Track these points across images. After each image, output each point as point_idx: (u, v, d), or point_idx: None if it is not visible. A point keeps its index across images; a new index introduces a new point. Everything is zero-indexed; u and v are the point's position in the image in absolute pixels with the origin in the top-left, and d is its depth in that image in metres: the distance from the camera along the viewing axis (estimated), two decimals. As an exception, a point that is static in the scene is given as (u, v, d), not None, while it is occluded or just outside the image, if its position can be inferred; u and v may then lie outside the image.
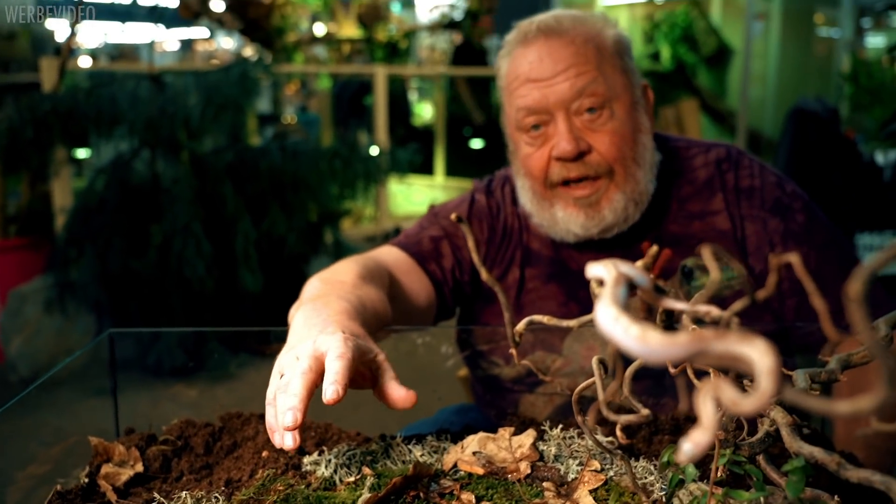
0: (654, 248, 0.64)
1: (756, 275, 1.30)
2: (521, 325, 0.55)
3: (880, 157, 3.61)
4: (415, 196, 7.63)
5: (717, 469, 0.61)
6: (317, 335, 0.88)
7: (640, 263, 0.60)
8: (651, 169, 1.32)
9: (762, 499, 0.60)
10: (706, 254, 0.48)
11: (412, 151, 4.25)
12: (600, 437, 0.91)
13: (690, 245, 1.33)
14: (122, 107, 3.35)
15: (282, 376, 0.87)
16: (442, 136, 7.76)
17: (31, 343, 3.52)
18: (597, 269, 0.46)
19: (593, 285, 0.53)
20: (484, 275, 0.54)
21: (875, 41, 10.82)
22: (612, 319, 0.41)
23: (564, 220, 1.31)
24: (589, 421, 0.66)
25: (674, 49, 8.51)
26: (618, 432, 0.58)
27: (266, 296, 3.80)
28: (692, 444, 0.38)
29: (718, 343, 0.38)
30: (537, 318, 0.56)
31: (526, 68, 1.28)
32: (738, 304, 0.45)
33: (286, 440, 0.80)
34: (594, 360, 0.60)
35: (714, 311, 0.51)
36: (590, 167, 1.27)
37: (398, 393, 0.88)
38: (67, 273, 3.55)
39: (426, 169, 7.68)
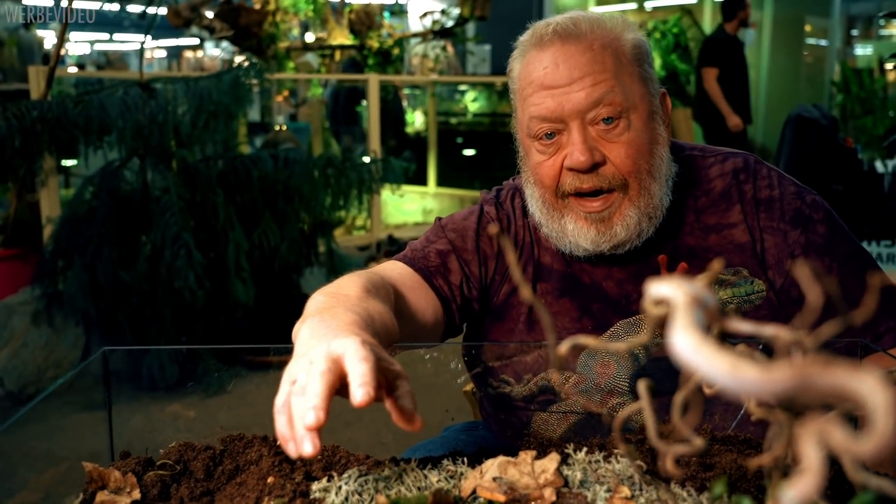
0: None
1: (777, 289, 1.26)
2: (564, 347, 0.50)
3: (880, 166, 3.60)
4: (406, 205, 7.58)
5: (774, 501, 0.56)
6: (330, 340, 0.83)
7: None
8: (667, 182, 1.27)
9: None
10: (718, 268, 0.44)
11: (406, 160, 4.21)
12: (628, 462, 0.87)
13: (707, 258, 1.28)
14: (112, 114, 3.29)
15: (294, 383, 0.81)
16: (434, 145, 7.73)
17: (18, 355, 3.44)
18: (662, 290, 0.41)
19: (647, 304, 0.48)
20: (526, 292, 0.49)
21: (864, 51, 10.87)
22: (693, 349, 0.36)
23: (574, 233, 1.26)
24: (625, 448, 0.61)
25: (666, 57, 8.51)
26: (668, 463, 0.53)
27: (258, 307, 3.74)
28: (798, 492, 0.33)
29: (824, 377, 0.33)
30: (582, 340, 0.51)
31: (540, 74, 1.22)
32: (828, 329, 0.40)
33: (304, 446, 0.74)
34: (641, 385, 0.55)
35: (783, 334, 0.46)
36: (603, 179, 1.22)
37: (408, 414, 0.81)
38: (55, 284, 3.48)
39: (418, 178, 7.64)
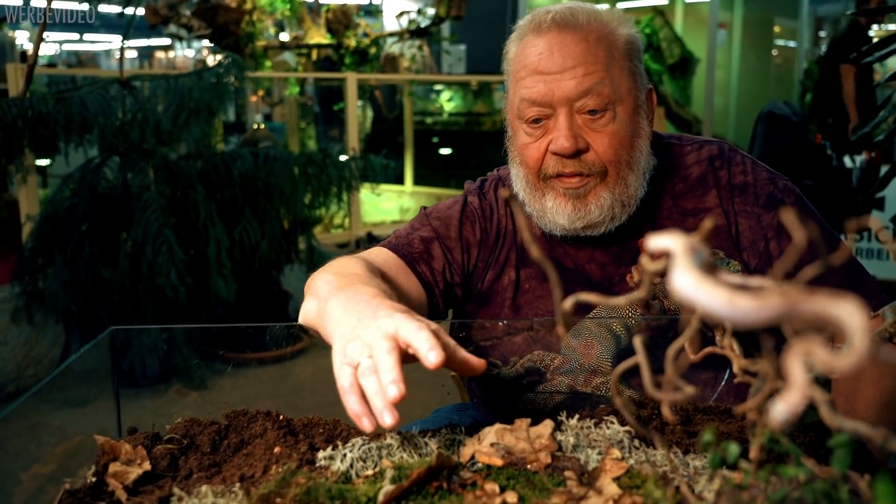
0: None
1: (752, 270, 1.32)
2: (567, 304, 0.55)
3: (849, 161, 3.69)
4: (384, 204, 7.61)
5: (759, 447, 0.61)
6: (372, 321, 0.89)
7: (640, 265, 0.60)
8: (644, 174, 1.33)
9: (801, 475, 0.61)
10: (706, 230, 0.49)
11: (385, 157, 4.24)
12: (618, 428, 0.92)
13: None
14: (92, 111, 3.29)
15: (354, 365, 0.87)
16: (410, 144, 7.76)
17: (-2, 353, 3.44)
18: (660, 242, 0.46)
19: (643, 262, 0.53)
20: (535, 252, 0.54)
21: (832, 51, 11.04)
22: (693, 285, 0.40)
23: (553, 210, 1.31)
24: (620, 400, 0.66)
25: (639, 58, 8.59)
26: (664, 410, 0.58)
27: (240, 303, 3.76)
28: (785, 404, 0.38)
29: (808, 304, 0.38)
30: (584, 296, 0.55)
31: (535, 59, 1.28)
32: (809, 272, 0.45)
33: (385, 417, 0.81)
34: (636, 340, 0.59)
35: (768, 283, 0.51)
36: (584, 165, 1.28)
37: (475, 360, 0.90)
38: (35, 282, 3.48)
39: (395, 177, 7.68)
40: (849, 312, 0.37)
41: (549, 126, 1.29)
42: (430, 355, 0.81)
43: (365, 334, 0.88)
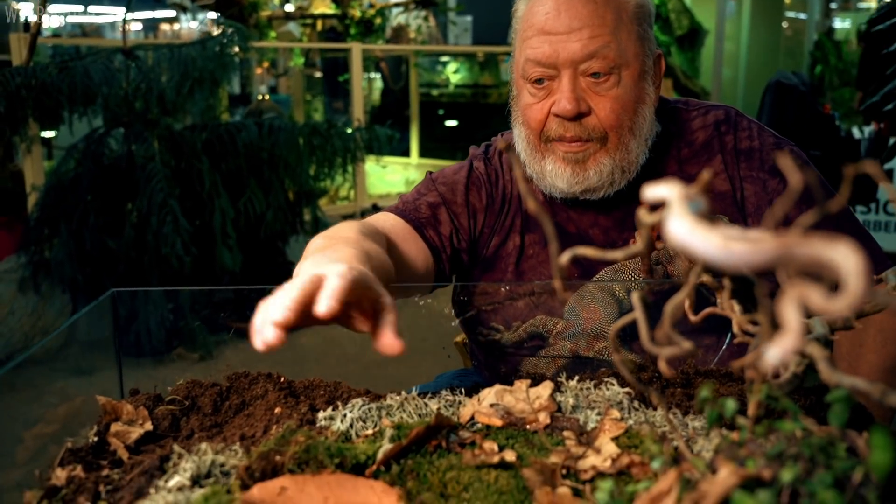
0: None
1: None
2: (564, 259, 0.54)
3: (857, 132, 3.66)
4: (389, 176, 7.60)
5: (756, 404, 0.61)
6: (319, 268, 0.84)
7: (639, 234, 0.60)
8: (646, 141, 1.31)
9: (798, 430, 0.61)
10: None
11: (390, 129, 4.23)
12: (617, 389, 0.92)
13: None
14: (96, 81, 3.28)
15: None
16: (416, 116, 7.73)
17: (6, 323, 3.45)
18: (658, 191, 0.45)
19: (641, 214, 0.52)
20: (531, 204, 0.53)
21: (843, 23, 10.94)
22: (687, 230, 0.40)
23: (552, 173, 1.31)
24: (619, 357, 0.66)
25: (647, 29, 8.50)
26: (661, 365, 0.58)
27: (245, 274, 3.77)
28: (779, 348, 0.37)
29: (803, 247, 0.38)
30: (581, 250, 0.55)
31: (542, 18, 1.26)
32: (807, 219, 0.44)
33: (266, 332, 0.75)
34: (634, 296, 0.59)
35: (768, 233, 0.51)
36: (585, 129, 1.27)
37: (388, 339, 0.81)
38: (41, 252, 3.49)
39: (401, 149, 7.66)
40: (844, 255, 0.37)
41: (552, 88, 1.28)
42: (322, 303, 0.75)
43: (301, 273, 0.84)
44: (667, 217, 0.43)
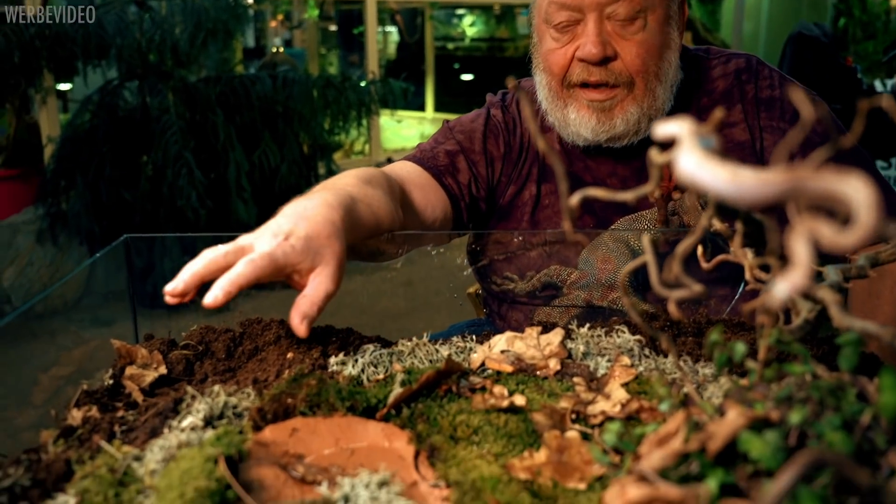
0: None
1: None
2: (574, 200, 0.54)
3: (879, 85, 3.59)
4: (404, 131, 7.56)
5: (766, 347, 0.60)
6: (262, 234, 0.91)
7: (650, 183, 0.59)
8: (672, 87, 1.29)
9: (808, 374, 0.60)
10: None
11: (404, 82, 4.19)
12: (628, 337, 0.92)
13: None
14: (110, 32, 3.27)
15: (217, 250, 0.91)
16: (431, 70, 7.65)
17: (24, 274, 3.49)
18: (668, 128, 0.45)
19: (651, 154, 0.52)
20: (541, 144, 0.53)
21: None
22: (696, 164, 0.39)
23: (576, 122, 1.29)
24: (628, 301, 0.65)
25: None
26: (670, 307, 0.57)
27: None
28: (787, 283, 0.37)
29: (814, 180, 0.37)
30: (591, 191, 0.54)
31: None
32: (820, 155, 0.43)
33: (166, 296, 0.87)
34: (645, 240, 0.59)
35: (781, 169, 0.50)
36: (611, 74, 1.25)
37: (294, 321, 0.90)
38: (58, 203, 3.51)
39: (416, 104, 7.61)
40: (855, 188, 0.36)
41: (576, 32, 1.25)
42: (209, 295, 0.84)
43: (243, 237, 0.92)
44: (677, 154, 0.42)
